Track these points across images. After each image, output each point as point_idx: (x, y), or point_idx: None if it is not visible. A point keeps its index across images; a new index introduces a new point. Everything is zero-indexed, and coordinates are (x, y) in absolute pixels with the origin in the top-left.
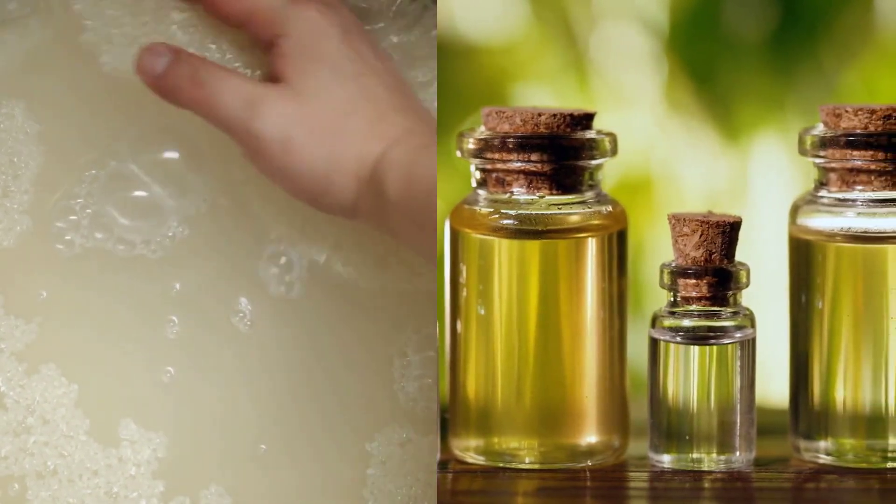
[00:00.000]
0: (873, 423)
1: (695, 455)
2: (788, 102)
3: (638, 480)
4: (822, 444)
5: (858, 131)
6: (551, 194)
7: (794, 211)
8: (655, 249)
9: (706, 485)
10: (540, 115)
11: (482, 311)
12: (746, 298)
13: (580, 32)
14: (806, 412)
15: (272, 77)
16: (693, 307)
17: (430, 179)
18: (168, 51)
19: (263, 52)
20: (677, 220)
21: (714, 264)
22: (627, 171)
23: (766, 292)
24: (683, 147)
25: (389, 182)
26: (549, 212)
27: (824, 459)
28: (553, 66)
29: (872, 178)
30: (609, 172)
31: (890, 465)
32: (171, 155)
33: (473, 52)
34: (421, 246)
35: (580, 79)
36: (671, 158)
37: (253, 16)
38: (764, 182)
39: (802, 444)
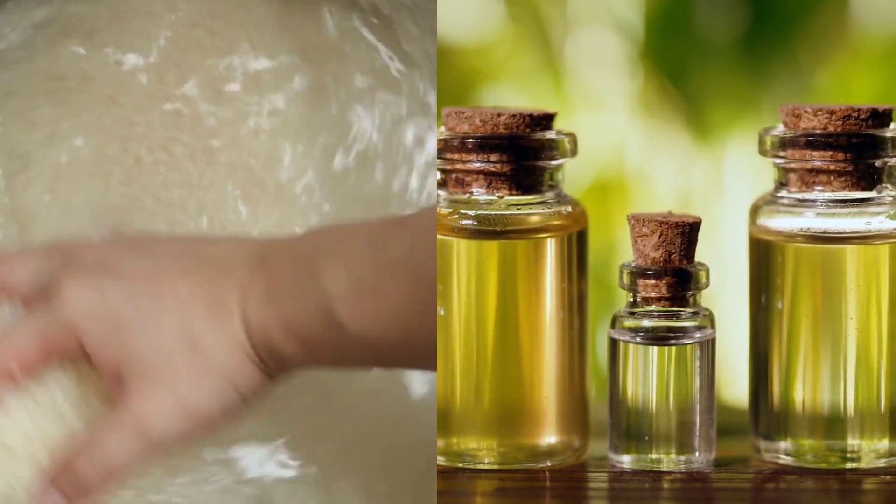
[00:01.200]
0: (832, 423)
1: (654, 455)
2: (761, 102)
3: (597, 481)
4: (782, 444)
5: (818, 132)
6: (511, 195)
7: (755, 211)
8: (628, 250)
9: (665, 485)
10: (499, 115)
11: (441, 312)
12: (720, 298)
13: (554, 34)
14: (766, 413)
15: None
16: (652, 307)
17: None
18: None
19: None
20: (637, 221)
21: (673, 265)
22: (601, 172)
23: (741, 292)
24: (657, 148)
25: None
26: (508, 212)
27: (784, 460)
28: (527, 67)
29: (832, 178)
30: (583, 173)
31: (849, 465)
32: None
33: (448, 53)
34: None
35: (554, 80)
36: (645, 159)
37: None
38: (737, 182)
39: (762, 444)
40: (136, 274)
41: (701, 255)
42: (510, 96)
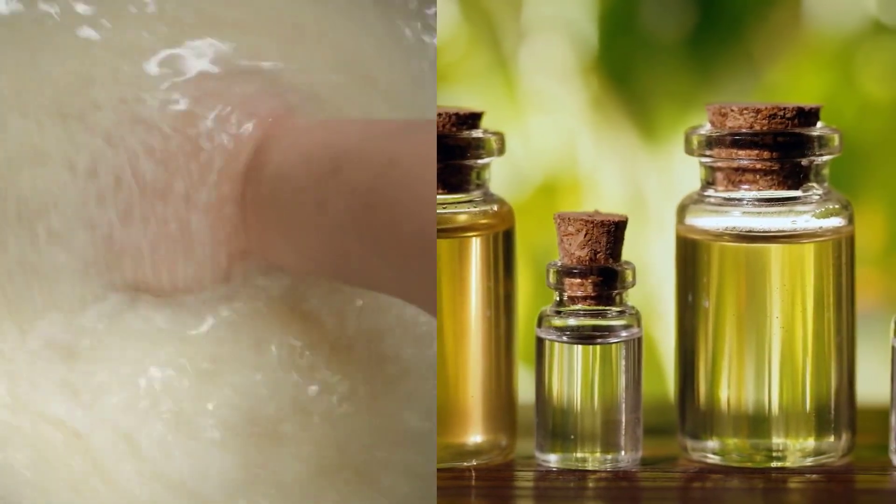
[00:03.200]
0: (757, 422)
1: (579, 454)
2: (710, 101)
3: (523, 480)
4: (709, 443)
5: (744, 130)
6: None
7: (681, 210)
8: None
9: (590, 484)
10: None
11: None
12: (668, 299)
13: (506, 34)
14: (692, 411)
15: None
16: (579, 307)
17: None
18: None
19: None
20: (562, 220)
21: (599, 263)
22: (552, 173)
23: None
24: (606, 148)
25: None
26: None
27: (712, 459)
28: (479, 67)
29: (758, 177)
30: (534, 174)
31: (775, 464)
32: None
33: None
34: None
35: (506, 81)
36: (595, 159)
37: None
38: (686, 181)
39: (689, 443)
40: None
41: (651, 254)
42: (462, 97)
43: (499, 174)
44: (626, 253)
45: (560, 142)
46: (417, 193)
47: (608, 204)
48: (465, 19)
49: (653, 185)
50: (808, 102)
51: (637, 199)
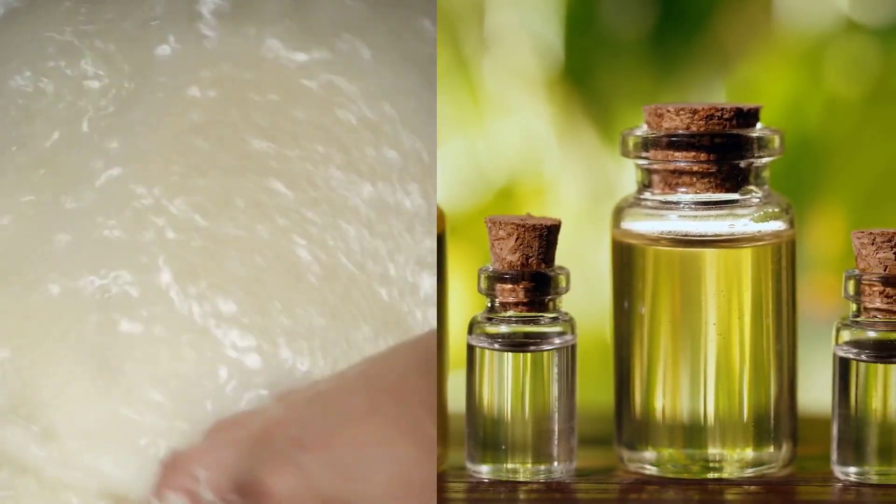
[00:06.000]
0: (692, 432)
1: (510, 465)
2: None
3: (454, 492)
4: (646, 454)
5: (681, 132)
6: None
7: (617, 214)
8: None
9: (521, 496)
10: None
11: None
12: None
13: (467, 36)
14: (628, 421)
15: None
16: (510, 313)
17: None
18: None
19: None
20: (493, 224)
21: (531, 268)
22: (512, 176)
23: None
24: (567, 150)
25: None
26: None
27: (650, 470)
28: (440, 69)
29: (695, 179)
30: (497, 177)
31: (711, 475)
32: None
33: None
34: None
35: (467, 84)
36: (555, 161)
37: None
38: None
39: (626, 454)
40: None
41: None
42: None
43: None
44: (585, 257)
45: (521, 144)
46: None
47: (569, 207)
48: None
49: (615, 187)
50: (747, 103)
51: (599, 202)
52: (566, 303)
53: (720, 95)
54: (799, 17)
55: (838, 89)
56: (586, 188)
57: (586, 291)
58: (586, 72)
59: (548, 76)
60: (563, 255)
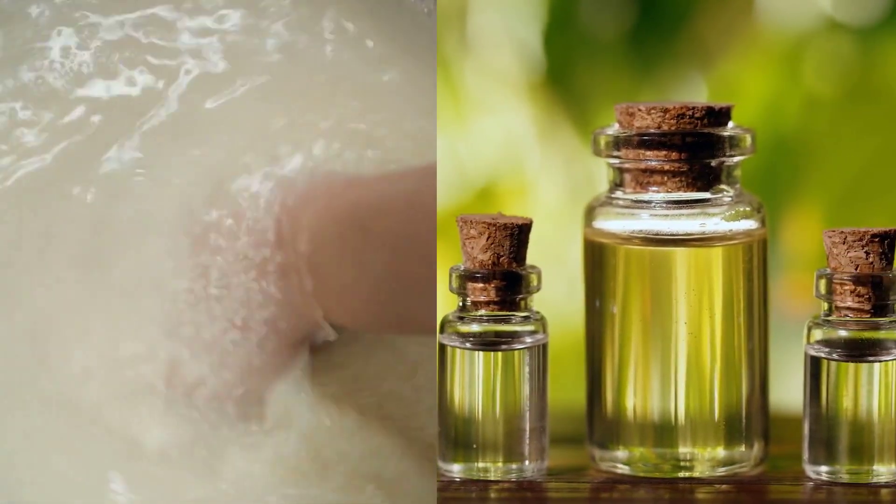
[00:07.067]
0: (663, 431)
1: (481, 464)
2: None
3: None
4: (617, 453)
5: (652, 130)
6: None
7: (589, 213)
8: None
9: (493, 495)
10: None
11: None
12: None
13: (448, 36)
14: (600, 420)
15: None
16: (481, 312)
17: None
18: None
19: None
20: (464, 223)
21: (502, 268)
22: (493, 176)
23: None
24: (547, 149)
25: None
26: None
27: (622, 469)
28: None
29: (666, 178)
30: (477, 177)
31: (683, 474)
32: None
33: None
34: None
35: (447, 83)
36: (536, 161)
37: None
38: None
39: (597, 453)
40: None
41: None
42: None
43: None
44: (565, 257)
45: (503, 144)
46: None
47: (549, 206)
48: None
49: (595, 186)
50: (719, 102)
51: (579, 202)
52: (547, 302)
53: (700, 94)
54: (780, 16)
55: (817, 88)
56: (566, 188)
57: (567, 291)
58: (567, 72)
59: (528, 77)
60: (543, 254)
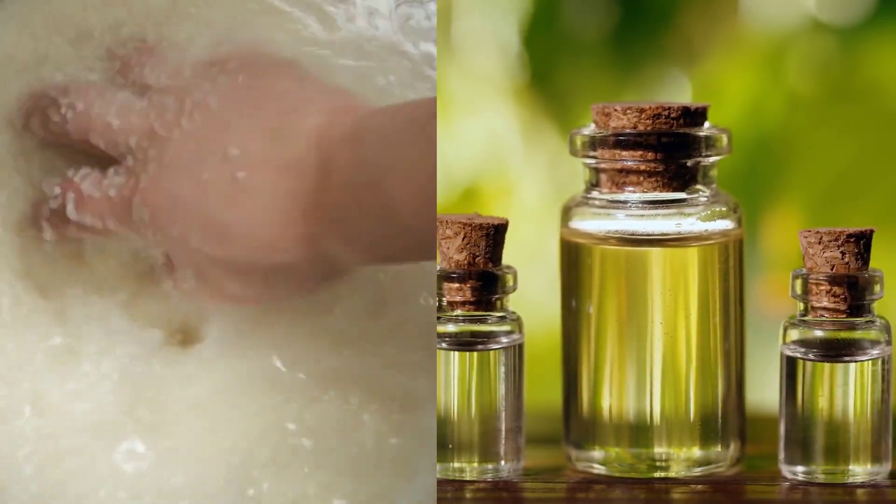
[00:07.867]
0: (639, 431)
1: (456, 464)
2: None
3: None
4: (593, 453)
5: (628, 131)
6: None
7: (566, 213)
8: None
9: (468, 495)
10: None
11: None
12: None
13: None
14: (576, 420)
15: None
16: (457, 312)
17: None
18: None
19: None
20: (440, 223)
21: (478, 268)
22: (476, 177)
23: None
24: (530, 149)
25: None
26: None
27: (598, 469)
28: None
29: (642, 178)
30: (462, 177)
31: (658, 474)
32: None
33: None
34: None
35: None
36: (519, 161)
37: None
38: None
39: (574, 453)
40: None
41: None
42: None
43: None
44: (547, 257)
45: (486, 145)
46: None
47: (532, 207)
48: None
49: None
50: (696, 102)
51: (562, 202)
52: (528, 302)
53: (684, 94)
54: (763, 16)
55: (800, 88)
56: (550, 188)
57: (550, 291)
58: (550, 73)
59: (512, 78)
60: (525, 254)
